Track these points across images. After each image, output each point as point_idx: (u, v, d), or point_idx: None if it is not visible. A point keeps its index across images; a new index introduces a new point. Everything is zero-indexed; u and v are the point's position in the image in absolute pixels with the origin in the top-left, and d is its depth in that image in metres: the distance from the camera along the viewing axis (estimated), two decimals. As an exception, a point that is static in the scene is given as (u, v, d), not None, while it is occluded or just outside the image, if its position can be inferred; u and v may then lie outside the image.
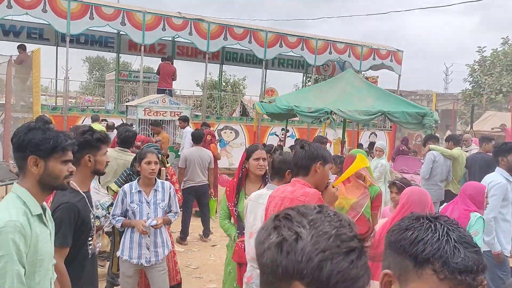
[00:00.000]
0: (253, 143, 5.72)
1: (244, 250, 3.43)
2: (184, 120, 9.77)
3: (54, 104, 13.76)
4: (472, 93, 25.72)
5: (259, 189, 3.80)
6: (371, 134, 14.06)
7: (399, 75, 16.06)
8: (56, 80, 14.09)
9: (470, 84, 26.47)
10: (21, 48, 11.48)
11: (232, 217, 3.88)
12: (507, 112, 17.54)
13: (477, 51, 26.29)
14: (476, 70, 26.09)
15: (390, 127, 15.79)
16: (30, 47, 11.53)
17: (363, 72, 16.38)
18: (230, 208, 3.82)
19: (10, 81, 9.75)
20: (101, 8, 11.52)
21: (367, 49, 15.52)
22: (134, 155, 5.72)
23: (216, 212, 8.11)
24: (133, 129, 7.24)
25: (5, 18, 11.14)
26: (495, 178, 4.47)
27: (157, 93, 12.14)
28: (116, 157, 5.17)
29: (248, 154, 3.87)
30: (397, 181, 4.49)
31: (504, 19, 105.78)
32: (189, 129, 9.41)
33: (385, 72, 16.45)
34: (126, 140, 5.37)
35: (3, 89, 11.10)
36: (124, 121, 10.73)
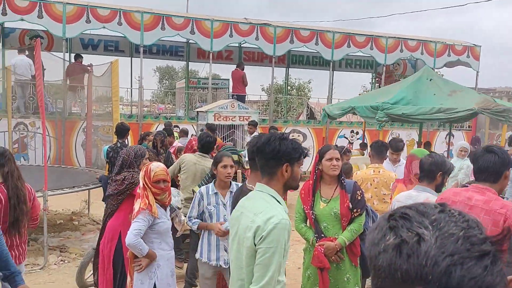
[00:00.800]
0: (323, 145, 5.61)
1: (324, 254, 3.32)
2: (254, 125, 9.78)
3: (129, 113, 14.46)
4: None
5: (334, 190, 3.68)
6: (447, 134, 13.30)
7: (477, 72, 15.09)
8: (131, 90, 14.83)
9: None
10: (78, 57, 12.11)
11: (308, 220, 3.79)
12: None
13: None
14: None
15: (469, 126, 14.87)
16: (107, 59, 12.24)
17: (436, 70, 15.59)
18: (307, 211, 3.73)
19: (91, 91, 10.37)
20: (172, 18, 11.96)
21: (441, 46, 14.75)
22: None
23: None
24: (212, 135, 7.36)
25: (84, 32, 11.91)
26: None
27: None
28: (195, 163, 5.26)
29: (320, 155, 3.77)
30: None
31: None
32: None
33: (462, 69, 15.54)
34: (206, 145, 5.45)
35: (82, 99, 11.87)
36: (195, 127, 11.02)
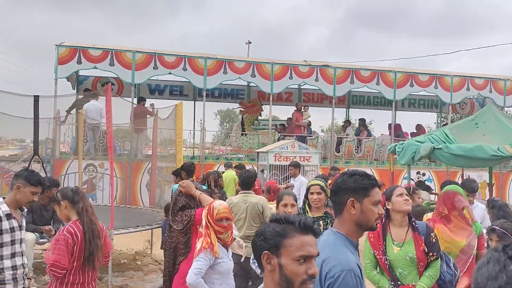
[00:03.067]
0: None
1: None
2: (294, 166, 8.82)
3: (192, 154, 14.81)
4: None
5: (406, 233, 3.43)
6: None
7: (555, 109, 14.09)
8: (194, 132, 15.25)
9: None
10: (141, 100, 12.64)
11: (380, 267, 3.53)
12: None
13: None
14: None
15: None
16: (172, 103, 12.73)
17: (506, 109, 14.72)
18: (378, 257, 3.48)
19: (157, 134, 10.76)
20: (234, 62, 12.33)
21: (511, 83, 13.98)
22: (260, 196, 5.72)
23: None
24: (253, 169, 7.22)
25: (151, 78, 12.55)
26: None
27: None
28: (242, 202, 5.16)
29: (388, 194, 3.57)
30: (496, 227, 3.68)
31: None
32: (303, 179, 8.56)
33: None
34: (247, 181, 5.35)
35: (147, 141, 12.35)
36: (256, 168, 11.02)
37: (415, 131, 14.64)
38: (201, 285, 3.35)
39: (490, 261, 0.84)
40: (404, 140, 13.47)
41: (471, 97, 14.99)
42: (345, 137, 13.76)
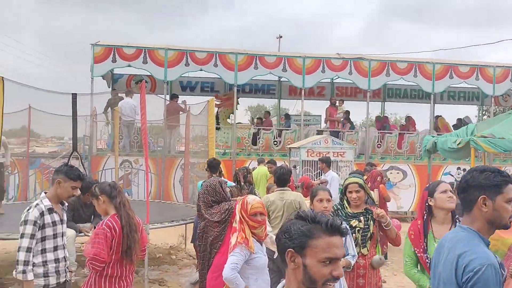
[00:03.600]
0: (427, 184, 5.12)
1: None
2: (324, 162, 8.67)
3: (223, 150, 14.84)
4: None
5: (449, 230, 3.26)
6: None
7: None
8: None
9: None
10: (174, 97, 12.71)
11: (421, 265, 3.37)
12: None
13: None
14: None
15: None
16: (203, 99, 12.77)
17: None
18: (419, 255, 3.33)
19: (189, 130, 10.82)
20: (264, 57, 12.25)
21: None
22: (297, 193, 5.63)
23: (386, 258, 7.56)
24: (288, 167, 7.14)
25: (183, 75, 12.62)
26: None
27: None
28: (279, 199, 5.08)
29: (431, 190, 3.40)
30: None
31: None
32: (334, 174, 8.57)
33: None
34: (282, 178, 5.26)
35: (180, 138, 12.45)
36: (288, 163, 10.91)
37: (455, 123, 14.17)
38: (238, 280, 3.33)
39: None
40: (390, 133, 13.11)
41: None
42: (387, 132, 13.37)
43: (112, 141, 11.86)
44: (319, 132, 12.92)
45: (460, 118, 14.45)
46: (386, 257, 7.75)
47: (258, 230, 3.58)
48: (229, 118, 13.97)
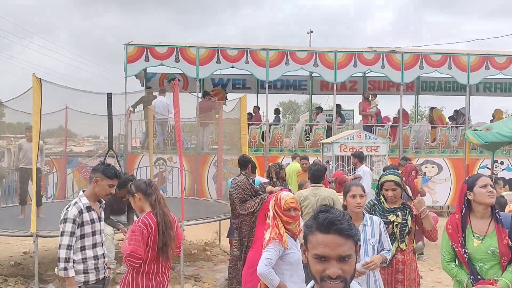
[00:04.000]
0: (465, 178, 4.99)
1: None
2: (356, 157, 8.62)
3: (255, 147, 14.90)
4: None
5: (489, 225, 3.19)
6: None
7: None
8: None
9: None
10: (206, 94, 12.76)
11: (459, 260, 3.31)
12: None
13: None
14: None
15: None
16: (235, 96, 12.87)
17: None
18: (457, 250, 3.27)
19: (221, 127, 10.92)
20: (295, 53, 12.21)
21: None
22: (331, 189, 5.60)
23: (422, 254, 7.47)
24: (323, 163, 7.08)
25: (214, 73, 12.72)
26: None
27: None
28: (312, 195, 5.08)
29: (470, 183, 3.32)
30: None
31: None
32: (367, 169, 8.48)
33: None
34: (317, 174, 5.25)
35: (213, 135, 12.57)
36: (321, 159, 10.86)
37: (492, 118, 13.71)
38: (272, 275, 3.34)
39: None
40: (383, 126, 12.72)
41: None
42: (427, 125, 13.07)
43: (145, 139, 12.11)
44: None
45: (457, 110, 13.98)
46: (422, 253, 7.63)
47: (292, 225, 3.59)
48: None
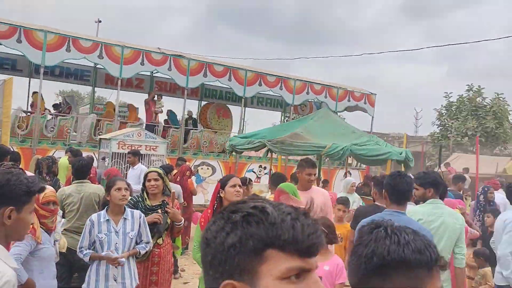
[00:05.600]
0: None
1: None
2: (133, 155, 8.45)
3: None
4: (440, 136, 26.64)
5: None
6: (345, 172, 14.05)
7: (372, 117, 16.48)
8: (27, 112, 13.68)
9: (438, 127, 27.68)
10: None
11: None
12: (472, 154, 18.00)
13: (444, 97, 27.61)
14: (444, 114, 27.28)
15: (364, 166, 15.89)
16: (1, 77, 11.24)
17: (338, 113, 16.63)
18: None
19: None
20: (79, 40, 11.39)
21: (343, 91, 15.87)
22: (96, 185, 5.44)
23: (187, 248, 7.89)
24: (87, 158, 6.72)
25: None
26: (510, 216, 4.65)
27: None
28: (76, 192, 4.83)
29: (223, 182, 3.75)
30: None
31: (469, 69, 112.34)
32: (143, 167, 8.20)
33: (360, 114, 16.77)
34: (81, 170, 4.99)
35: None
36: (97, 155, 10.41)
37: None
38: (20, 272, 3.08)
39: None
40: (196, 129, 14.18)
41: (311, 100, 16.50)
42: (194, 129, 13.87)
43: None
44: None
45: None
46: (187, 248, 8.06)
47: (48, 220, 3.44)
48: None
